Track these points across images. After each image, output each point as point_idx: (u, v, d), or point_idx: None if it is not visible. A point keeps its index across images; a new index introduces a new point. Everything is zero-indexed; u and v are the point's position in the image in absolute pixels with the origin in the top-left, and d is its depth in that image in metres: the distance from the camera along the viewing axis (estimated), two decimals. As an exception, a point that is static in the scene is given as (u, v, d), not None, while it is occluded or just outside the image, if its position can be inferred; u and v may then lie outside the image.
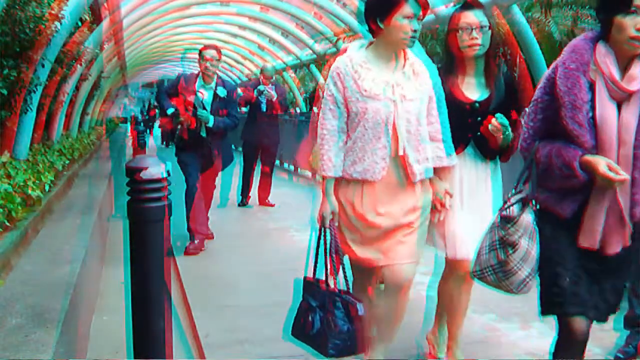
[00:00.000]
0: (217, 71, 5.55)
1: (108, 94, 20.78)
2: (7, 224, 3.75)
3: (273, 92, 7.78)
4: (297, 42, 15.19)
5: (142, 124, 15.60)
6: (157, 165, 2.04)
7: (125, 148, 15.74)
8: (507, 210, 2.24)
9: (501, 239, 2.25)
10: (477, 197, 2.92)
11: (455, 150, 2.82)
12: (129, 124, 25.73)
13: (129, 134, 19.09)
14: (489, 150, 2.91)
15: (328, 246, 2.60)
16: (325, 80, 2.75)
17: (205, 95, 5.45)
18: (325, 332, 2.54)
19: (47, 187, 5.21)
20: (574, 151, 2.12)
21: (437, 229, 2.88)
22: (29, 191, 4.49)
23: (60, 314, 2.60)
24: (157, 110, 24.81)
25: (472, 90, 2.90)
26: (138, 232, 2.03)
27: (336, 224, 2.65)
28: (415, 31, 2.55)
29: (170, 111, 5.43)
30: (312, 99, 21.04)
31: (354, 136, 2.62)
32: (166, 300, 2.06)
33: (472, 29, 2.79)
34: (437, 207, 2.77)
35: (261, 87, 7.77)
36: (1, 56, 5.31)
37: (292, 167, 12.06)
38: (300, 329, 2.66)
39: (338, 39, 12.89)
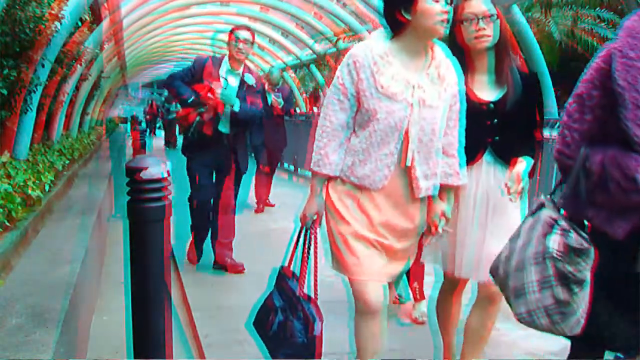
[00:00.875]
0: (247, 56, 4.76)
1: (108, 94, 20.79)
2: (7, 224, 3.75)
3: (280, 100, 7.60)
4: (297, 42, 15.19)
5: (142, 124, 15.60)
6: (157, 165, 2.04)
7: (125, 148, 15.74)
8: (568, 237, 1.80)
9: (564, 274, 1.80)
10: (501, 211, 2.58)
11: (473, 159, 2.54)
12: (129, 124, 25.70)
13: (129, 134, 19.06)
14: (511, 156, 2.55)
15: (307, 248, 2.45)
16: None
17: (233, 82, 4.66)
18: (281, 337, 2.42)
19: (47, 187, 5.21)
20: (635, 160, 1.69)
21: (454, 249, 2.60)
22: (29, 191, 4.49)
23: (60, 314, 2.60)
24: (158, 110, 24.64)
25: (485, 89, 2.59)
26: (138, 232, 2.03)
27: (319, 228, 2.46)
28: (446, 12, 2.21)
29: (191, 100, 4.56)
30: (314, 99, 21.07)
31: (361, 135, 2.34)
32: (166, 300, 2.06)
33: (478, 19, 2.49)
34: (430, 230, 2.49)
35: (272, 101, 7.49)
36: (1, 56, 5.30)
37: (292, 167, 12.06)
38: (260, 324, 2.56)
39: (338, 39, 12.90)
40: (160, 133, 25.61)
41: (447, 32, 2.31)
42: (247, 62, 4.97)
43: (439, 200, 2.48)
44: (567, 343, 2.21)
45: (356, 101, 2.33)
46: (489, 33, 2.50)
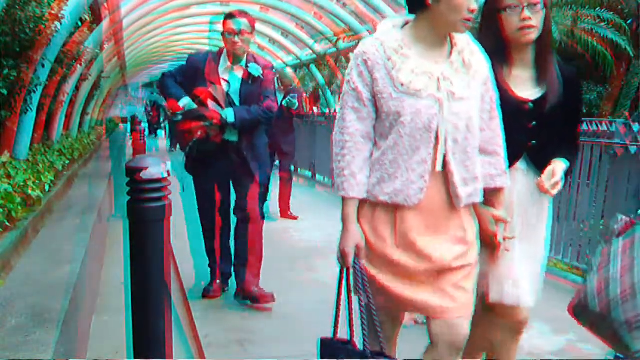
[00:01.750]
0: (248, 48, 3.88)
1: (108, 94, 20.79)
2: (7, 224, 3.75)
3: (295, 101, 6.95)
4: (297, 42, 15.21)
5: (141, 124, 15.55)
6: (157, 165, 2.03)
7: (125, 148, 15.75)
8: None
9: None
10: (530, 226, 2.31)
11: (508, 166, 2.20)
12: (129, 124, 25.64)
13: (129, 136, 18.98)
14: (547, 164, 2.26)
15: (358, 290, 2.00)
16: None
17: (232, 80, 3.86)
18: None
19: (47, 187, 5.22)
20: None
21: (486, 268, 2.25)
22: (29, 191, 4.49)
23: (60, 314, 2.60)
24: (160, 110, 24.46)
25: (523, 86, 2.28)
26: (138, 232, 2.03)
27: (363, 261, 2.01)
28: (473, 11, 1.94)
29: (189, 106, 3.75)
30: (314, 99, 21.08)
31: (384, 145, 1.98)
32: (166, 300, 2.06)
33: (523, 7, 2.17)
34: (486, 242, 2.15)
35: (287, 102, 6.87)
36: (1, 56, 5.31)
37: (292, 167, 12.06)
38: None
39: (338, 39, 12.90)
40: (161, 133, 25.57)
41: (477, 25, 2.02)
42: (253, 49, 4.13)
43: (489, 207, 2.14)
44: (567, 343, 2.20)
45: (373, 105, 2.00)
46: (535, 24, 2.18)
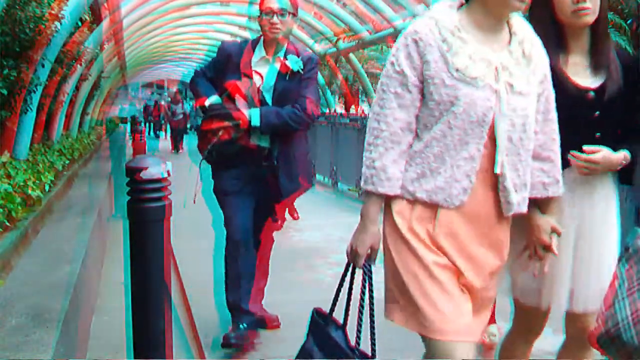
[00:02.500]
0: (288, 35, 3.29)
1: (108, 94, 20.80)
2: (7, 224, 3.75)
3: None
4: (297, 42, 15.20)
5: (143, 124, 15.47)
6: (157, 165, 2.03)
7: (125, 148, 15.75)
8: None
9: None
10: (596, 229, 2.09)
11: (567, 164, 2.02)
12: (129, 124, 25.59)
13: (130, 135, 18.89)
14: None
15: (361, 293, 1.89)
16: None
17: (265, 73, 3.22)
18: None
19: (47, 187, 5.22)
20: None
21: (541, 277, 2.04)
22: (29, 191, 4.49)
23: (60, 314, 2.60)
24: (163, 110, 24.23)
25: (582, 74, 2.08)
26: (138, 232, 2.03)
27: (373, 266, 1.90)
28: None
29: (215, 101, 3.18)
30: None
31: (429, 136, 1.77)
32: (166, 300, 2.06)
33: None
34: (537, 252, 1.96)
35: None
36: (1, 56, 5.31)
37: (328, 181, 11.97)
38: None
39: (338, 39, 12.90)
40: (162, 134, 25.53)
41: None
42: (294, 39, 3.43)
43: (543, 214, 1.94)
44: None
45: (419, 92, 1.78)
46: (590, 5, 2.00)
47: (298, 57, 3.24)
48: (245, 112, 3.11)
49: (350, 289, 1.96)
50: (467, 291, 1.81)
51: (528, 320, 2.20)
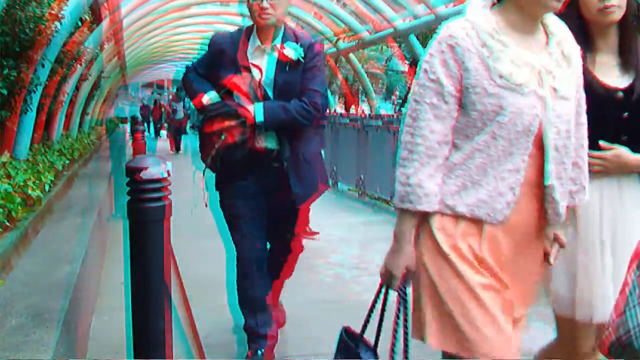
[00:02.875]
0: (283, 19, 2.91)
1: (108, 94, 20.81)
2: (7, 224, 3.75)
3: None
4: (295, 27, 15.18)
5: (144, 124, 15.42)
6: (157, 165, 2.04)
7: (125, 148, 15.75)
8: None
9: None
10: (624, 234, 1.97)
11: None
12: (129, 124, 25.52)
13: (128, 137, 18.74)
14: None
15: (396, 317, 1.78)
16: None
17: (264, 65, 2.88)
18: None
19: (47, 187, 5.22)
20: None
21: (573, 285, 1.98)
22: (29, 191, 4.49)
23: (60, 314, 2.60)
24: (163, 110, 24.10)
25: (610, 74, 2.01)
26: (138, 232, 2.03)
27: (408, 288, 1.77)
28: None
29: (214, 99, 2.87)
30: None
31: (470, 147, 1.66)
32: (166, 300, 2.06)
33: None
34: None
35: None
36: (1, 56, 5.31)
37: (351, 189, 11.95)
38: None
39: (338, 39, 12.90)
40: (163, 134, 25.47)
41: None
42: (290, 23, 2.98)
43: (551, 223, 1.82)
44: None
45: (457, 103, 1.67)
46: (616, 2, 1.93)
47: (297, 43, 2.86)
48: (249, 107, 2.78)
49: (383, 309, 1.86)
50: (509, 307, 1.71)
51: (570, 334, 2.07)
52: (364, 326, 1.90)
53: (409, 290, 1.78)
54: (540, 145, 1.66)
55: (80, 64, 9.15)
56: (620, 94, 1.97)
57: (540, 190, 1.69)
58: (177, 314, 2.31)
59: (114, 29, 10.45)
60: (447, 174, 1.68)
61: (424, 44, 12.23)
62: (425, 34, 11.97)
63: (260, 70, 2.85)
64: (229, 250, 3.24)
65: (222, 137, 2.77)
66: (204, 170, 2.94)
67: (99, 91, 15.64)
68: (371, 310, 1.87)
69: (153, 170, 2.02)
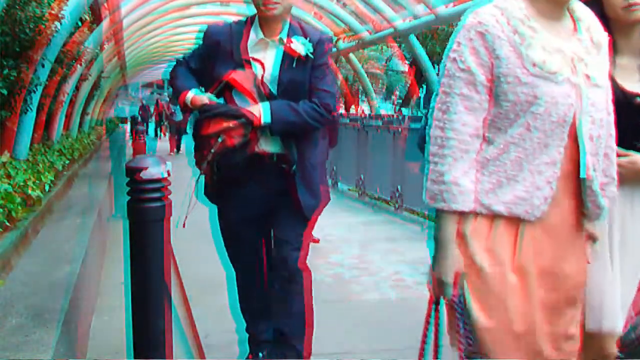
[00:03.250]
0: (289, 10, 2.60)
1: (108, 94, 20.80)
2: (7, 224, 3.75)
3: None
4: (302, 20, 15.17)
5: (145, 125, 15.31)
6: (157, 165, 2.04)
7: (125, 148, 15.75)
8: None
9: None
10: (633, 244, 1.92)
11: None
12: (129, 124, 25.46)
13: (127, 136, 18.61)
14: None
15: (457, 331, 1.62)
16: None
17: (268, 61, 2.56)
18: None
19: (47, 187, 5.22)
20: None
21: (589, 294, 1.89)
22: (29, 191, 4.49)
23: (60, 314, 2.60)
24: (164, 111, 23.93)
25: (631, 78, 1.91)
26: (138, 232, 2.03)
27: (464, 292, 1.61)
28: None
29: (210, 98, 2.54)
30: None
31: (504, 141, 1.58)
32: (166, 300, 2.06)
33: None
34: None
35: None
36: (1, 56, 5.31)
37: (352, 190, 11.96)
38: None
39: (338, 39, 12.89)
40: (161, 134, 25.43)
41: None
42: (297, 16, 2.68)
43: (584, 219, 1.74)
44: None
45: (488, 93, 1.58)
46: None
47: (305, 38, 2.56)
48: (254, 108, 2.47)
49: (438, 329, 1.69)
50: (551, 310, 1.63)
51: (591, 343, 1.95)
52: (422, 354, 1.73)
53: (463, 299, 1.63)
54: (574, 136, 1.58)
55: (80, 64, 9.15)
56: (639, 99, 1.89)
57: (575, 184, 1.61)
58: (177, 314, 2.31)
59: (114, 29, 10.45)
60: (480, 170, 1.59)
61: (424, 44, 12.23)
62: (425, 34, 11.97)
63: (263, 65, 2.54)
64: (228, 269, 3.12)
65: (220, 139, 2.43)
66: (197, 178, 2.59)
67: (99, 91, 15.64)
68: (425, 336, 1.70)
69: (153, 170, 2.02)
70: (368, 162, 8.74)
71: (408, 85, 21.26)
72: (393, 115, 9.60)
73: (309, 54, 2.54)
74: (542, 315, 1.60)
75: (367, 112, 14.65)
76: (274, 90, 2.55)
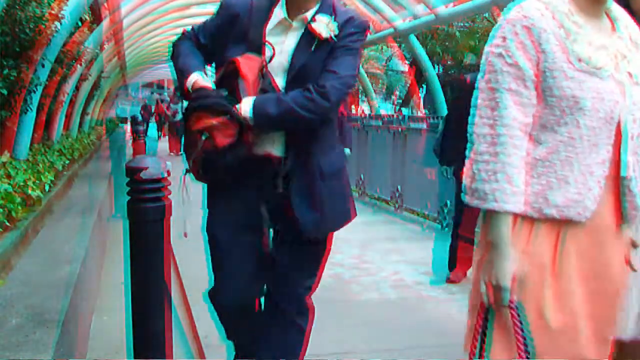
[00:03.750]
0: None
1: (108, 94, 20.80)
2: (7, 224, 3.75)
3: None
4: None
5: (146, 125, 15.20)
6: (157, 165, 2.04)
7: (125, 148, 15.75)
8: None
9: None
10: None
11: None
12: (129, 124, 25.37)
13: (127, 136, 18.54)
14: None
15: (521, 340, 1.53)
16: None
17: (287, 46, 2.11)
18: None
19: (47, 187, 5.21)
20: None
21: None
22: (29, 191, 4.49)
23: (60, 314, 2.60)
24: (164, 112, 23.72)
25: None
26: (138, 232, 2.03)
27: (521, 298, 1.53)
28: None
29: (205, 83, 2.08)
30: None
31: (553, 139, 1.53)
32: (166, 300, 2.06)
33: None
34: None
35: None
36: (1, 56, 5.31)
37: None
38: None
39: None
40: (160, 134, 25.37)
41: None
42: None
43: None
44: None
45: (535, 89, 1.53)
46: None
47: (332, 16, 2.07)
48: (244, 102, 2.02)
49: (484, 337, 1.60)
50: (591, 315, 1.57)
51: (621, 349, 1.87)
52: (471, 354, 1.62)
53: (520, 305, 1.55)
54: (617, 135, 1.54)
55: (80, 64, 9.15)
56: None
57: (615, 184, 1.57)
58: (177, 314, 2.31)
59: (114, 29, 10.45)
60: (529, 172, 1.54)
61: (424, 44, 12.22)
62: (425, 34, 11.97)
63: (274, 50, 2.07)
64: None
65: (205, 136, 2.02)
66: (183, 174, 2.23)
67: (99, 91, 15.64)
68: (474, 346, 1.59)
69: (153, 170, 2.02)
70: (368, 162, 8.75)
71: (408, 85, 21.26)
72: (393, 115, 9.60)
73: (333, 36, 2.05)
74: (585, 320, 1.56)
75: (367, 112, 14.63)
76: (282, 80, 2.08)
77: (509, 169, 1.50)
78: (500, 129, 1.52)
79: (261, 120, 2.01)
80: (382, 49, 21.65)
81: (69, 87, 9.15)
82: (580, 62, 1.51)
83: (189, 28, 2.32)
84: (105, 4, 8.59)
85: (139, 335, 2.07)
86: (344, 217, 2.30)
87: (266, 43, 2.07)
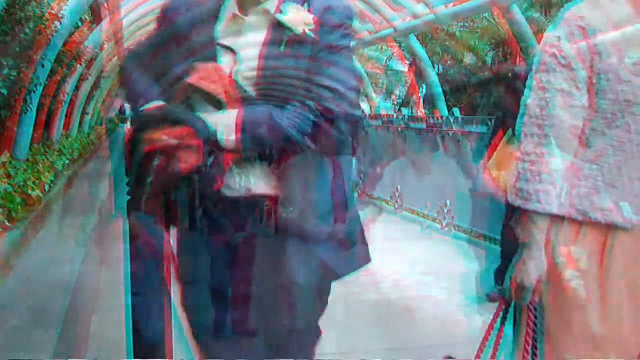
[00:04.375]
0: None
1: (108, 94, 20.81)
2: (7, 224, 3.75)
3: None
4: None
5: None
6: (157, 165, 2.03)
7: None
8: None
9: None
10: None
11: None
12: (129, 124, 25.40)
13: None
14: None
15: (527, 339, 1.55)
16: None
17: (242, 46, 1.50)
18: None
19: (47, 187, 5.22)
20: None
21: None
22: (29, 191, 4.50)
23: (60, 314, 2.60)
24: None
25: None
26: (138, 232, 2.03)
27: (542, 299, 1.54)
28: None
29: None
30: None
31: (602, 143, 1.49)
32: (166, 300, 2.06)
33: None
34: None
35: None
36: (1, 56, 5.31)
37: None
38: None
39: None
40: None
41: None
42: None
43: None
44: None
45: (587, 91, 1.48)
46: None
47: (304, 5, 1.53)
48: (213, 118, 1.47)
49: (501, 333, 1.60)
50: (634, 324, 1.51)
51: None
52: (480, 356, 1.62)
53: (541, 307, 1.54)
54: None
55: (80, 64, 9.15)
56: None
57: None
58: (177, 314, 2.31)
59: (114, 29, 10.45)
60: (576, 174, 1.50)
61: (424, 44, 12.25)
62: (425, 34, 11.98)
63: (235, 55, 1.52)
64: None
65: (157, 162, 1.47)
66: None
67: (99, 91, 15.64)
68: (487, 339, 1.60)
69: (153, 170, 2.01)
70: (368, 162, 8.75)
71: (408, 85, 21.25)
72: (393, 115, 9.60)
73: (309, 33, 1.51)
74: (629, 328, 1.51)
75: (367, 112, 14.63)
76: (250, 91, 1.51)
77: (554, 171, 1.47)
78: (548, 129, 1.48)
79: (249, 141, 1.46)
80: (382, 49, 21.65)
81: (69, 87, 9.16)
82: (636, 66, 1.45)
83: (133, 47, 1.80)
84: (105, 4, 8.60)
85: (139, 335, 2.07)
86: (354, 264, 1.87)
87: (221, 47, 1.53)
